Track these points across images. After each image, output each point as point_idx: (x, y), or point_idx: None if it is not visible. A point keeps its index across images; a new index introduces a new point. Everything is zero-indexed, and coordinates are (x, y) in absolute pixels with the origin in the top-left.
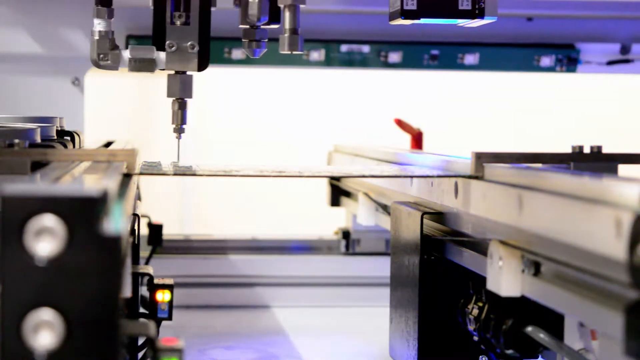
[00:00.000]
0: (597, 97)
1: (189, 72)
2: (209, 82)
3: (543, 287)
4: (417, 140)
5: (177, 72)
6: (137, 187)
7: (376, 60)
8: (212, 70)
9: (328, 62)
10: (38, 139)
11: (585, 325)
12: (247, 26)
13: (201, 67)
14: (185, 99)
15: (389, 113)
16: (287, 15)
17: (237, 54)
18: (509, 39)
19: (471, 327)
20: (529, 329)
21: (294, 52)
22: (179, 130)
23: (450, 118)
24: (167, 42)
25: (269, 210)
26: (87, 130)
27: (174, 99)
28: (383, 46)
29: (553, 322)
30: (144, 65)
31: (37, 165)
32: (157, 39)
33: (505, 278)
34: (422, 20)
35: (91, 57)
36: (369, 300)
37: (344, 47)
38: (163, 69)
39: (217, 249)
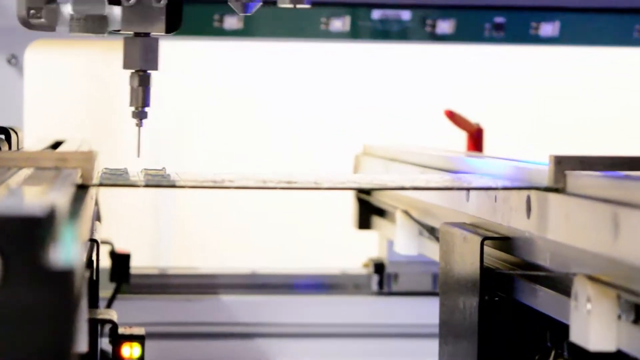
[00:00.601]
0: None
1: (153, 34)
2: (194, 58)
3: None
4: (476, 140)
5: (137, 35)
6: (96, 204)
7: (420, 31)
8: (197, 45)
9: (355, 34)
10: None
11: None
12: None
13: (171, 27)
14: (149, 72)
15: (437, 103)
16: None
17: (232, 22)
18: (600, 2)
19: None
20: None
21: (298, 6)
22: (140, 115)
23: (520, 109)
24: None
25: (274, 235)
26: (27, 125)
27: (133, 71)
28: (429, 12)
29: None
30: (91, 24)
31: None
32: None
33: (595, 326)
34: None
35: (18, 14)
36: (410, 356)
37: (375, 14)
38: (118, 31)
39: (204, 288)
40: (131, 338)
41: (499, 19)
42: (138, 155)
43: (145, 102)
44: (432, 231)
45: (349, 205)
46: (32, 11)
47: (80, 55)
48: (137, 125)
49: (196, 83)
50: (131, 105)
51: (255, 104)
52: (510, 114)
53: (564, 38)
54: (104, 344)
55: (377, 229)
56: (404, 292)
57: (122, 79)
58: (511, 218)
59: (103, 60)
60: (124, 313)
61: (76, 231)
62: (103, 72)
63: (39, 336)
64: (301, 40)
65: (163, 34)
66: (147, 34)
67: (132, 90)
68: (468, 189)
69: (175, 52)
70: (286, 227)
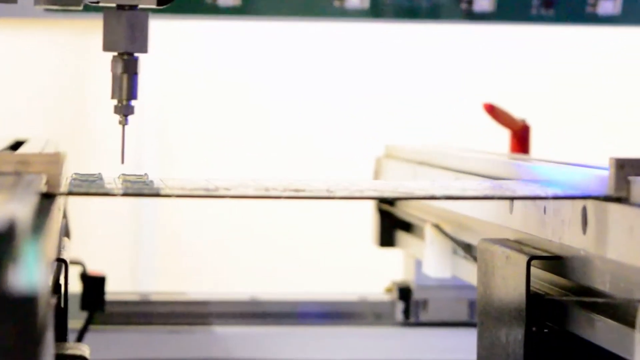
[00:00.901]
0: None
1: (141, 7)
2: (181, 42)
3: None
4: (521, 139)
5: (120, 8)
6: (64, 216)
7: (454, 8)
8: (186, 25)
9: (375, 13)
10: None
11: None
12: None
13: None
14: (136, 55)
15: (475, 95)
16: None
17: None
18: None
19: None
20: None
21: None
22: (125, 110)
23: (573, 101)
24: None
25: (278, 254)
26: None
27: (116, 54)
28: None
29: None
30: None
31: None
32: None
33: None
34: None
35: None
36: None
37: None
38: (97, 3)
39: (194, 317)
40: None
41: None
42: (122, 161)
43: (132, 93)
44: (468, 249)
45: (369, 218)
46: None
47: (45, 39)
48: (120, 122)
49: (184, 71)
50: (113, 97)
51: (255, 96)
52: (561, 108)
53: (625, 17)
54: None
55: (402, 246)
56: (435, 322)
57: (98, 66)
58: (564, 233)
59: (74, 45)
60: (97, 347)
61: (40, 249)
62: (74, 58)
63: None
64: (311, 19)
65: (154, 6)
66: (134, 7)
67: (115, 78)
68: (512, 199)
69: (157, 34)
70: (292, 243)
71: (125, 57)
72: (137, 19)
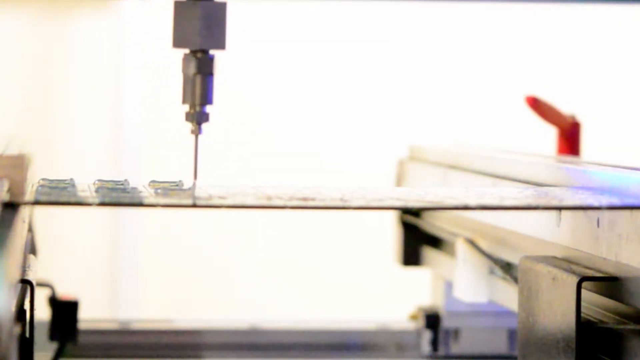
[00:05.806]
0: None
1: None
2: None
3: None
4: (570, 138)
5: None
6: (30, 230)
7: None
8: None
9: None
10: None
11: None
12: None
13: None
14: (212, 54)
15: (515, 86)
16: None
17: None
18: None
19: None
20: None
21: None
22: (198, 117)
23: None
24: None
25: (281, 275)
26: None
27: (188, 52)
28: None
29: None
30: None
31: None
32: None
33: None
34: None
35: None
36: None
37: None
38: None
39: (182, 349)
40: None
41: None
42: (195, 178)
43: (206, 97)
44: (507, 269)
45: (390, 232)
46: None
47: (17, 22)
48: (192, 132)
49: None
50: (184, 102)
51: (252, 87)
52: (616, 102)
53: None
54: None
55: (429, 265)
56: (468, 355)
57: (72, 55)
58: (621, 249)
59: (47, 31)
60: None
61: (1, 269)
62: (46, 46)
63: None
64: None
65: None
66: None
67: (187, 80)
68: (559, 209)
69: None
70: (299, 262)
71: (199, 55)
72: (214, 11)
